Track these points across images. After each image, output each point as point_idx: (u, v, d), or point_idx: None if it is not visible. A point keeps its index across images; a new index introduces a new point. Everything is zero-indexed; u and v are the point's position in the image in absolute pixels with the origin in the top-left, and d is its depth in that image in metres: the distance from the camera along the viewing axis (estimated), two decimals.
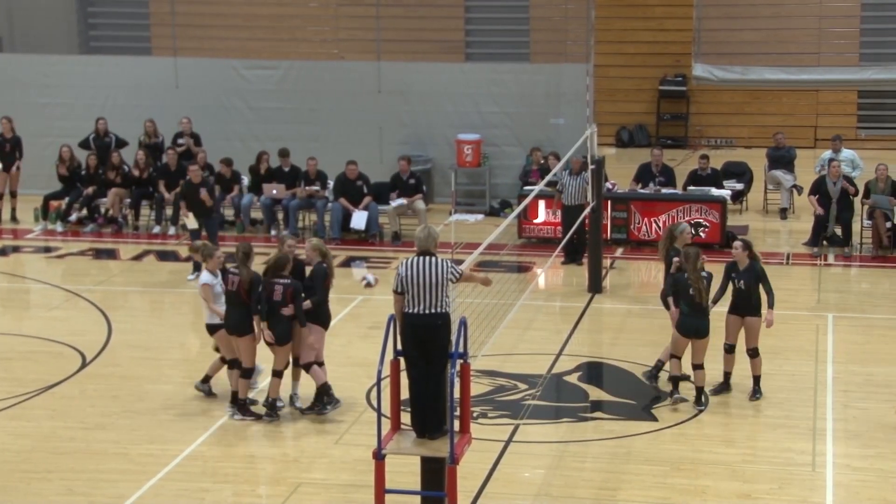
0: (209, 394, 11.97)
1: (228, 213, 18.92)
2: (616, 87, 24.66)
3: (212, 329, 11.68)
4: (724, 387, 12.06)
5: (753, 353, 11.93)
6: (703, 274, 11.50)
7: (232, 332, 11.36)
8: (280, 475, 10.42)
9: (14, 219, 19.47)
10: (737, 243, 11.93)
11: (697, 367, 11.60)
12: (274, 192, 18.56)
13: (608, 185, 17.86)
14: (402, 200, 18.23)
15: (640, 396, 12.22)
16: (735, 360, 12.00)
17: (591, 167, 15.79)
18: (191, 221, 16.26)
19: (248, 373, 11.43)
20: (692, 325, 11.48)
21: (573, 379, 12.72)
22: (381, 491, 8.52)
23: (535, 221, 18.04)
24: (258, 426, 11.40)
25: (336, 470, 10.48)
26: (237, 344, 11.40)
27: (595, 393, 12.42)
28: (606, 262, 16.42)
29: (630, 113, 25.15)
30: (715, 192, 18.02)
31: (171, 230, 18.70)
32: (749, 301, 11.77)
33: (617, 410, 11.89)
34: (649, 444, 11.01)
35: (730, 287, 11.90)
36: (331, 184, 18.60)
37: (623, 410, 11.88)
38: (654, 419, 11.57)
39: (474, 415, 11.05)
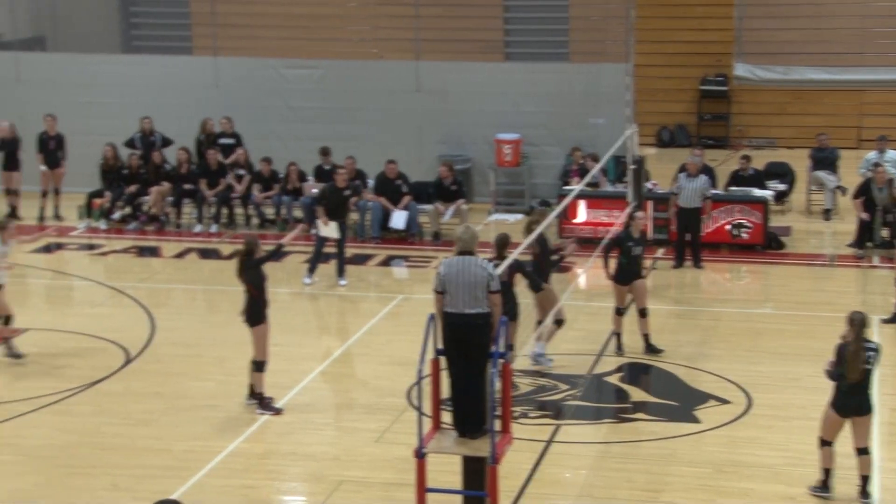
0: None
1: (269, 211, 19.02)
2: (656, 86, 24.50)
3: None
4: None
5: None
6: (871, 345, 9.74)
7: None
8: (322, 472, 10.44)
9: (57, 216, 19.66)
10: None
11: (862, 451, 9.77)
12: (314, 190, 18.60)
13: (649, 185, 17.76)
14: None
15: (682, 398, 12.14)
16: None
17: (631, 167, 15.70)
18: (330, 230, 15.60)
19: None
20: (851, 403, 9.71)
21: (614, 380, 12.66)
22: (422, 490, 8.51)
23: (575, 221, 17.98)
24: (299, 423, 11.44)
25: (377, 468, 10.49)
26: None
27: (637, 394, 12.36)
28: (647, 263, 16.30)
29: (671, 113, 25.00)
30: (757, 192, 17.87)
31: (213, 228, 18.80)
32: None
33: (659, 412, 11.82)
34: (692, 446, 10.94)
35: None
36: (370, 182, 18.64)
37: (665, 412, 11.82)
38: (697, 421, 11.49)
39: (515, 415, 11.03)
